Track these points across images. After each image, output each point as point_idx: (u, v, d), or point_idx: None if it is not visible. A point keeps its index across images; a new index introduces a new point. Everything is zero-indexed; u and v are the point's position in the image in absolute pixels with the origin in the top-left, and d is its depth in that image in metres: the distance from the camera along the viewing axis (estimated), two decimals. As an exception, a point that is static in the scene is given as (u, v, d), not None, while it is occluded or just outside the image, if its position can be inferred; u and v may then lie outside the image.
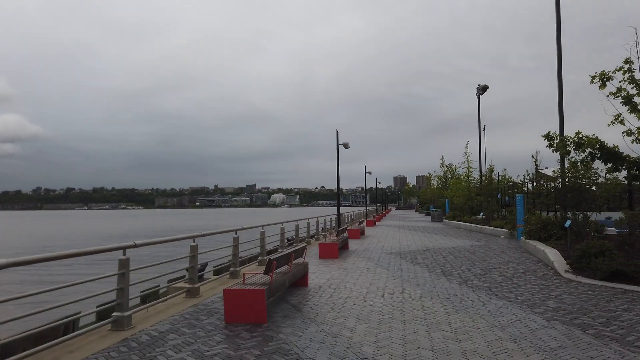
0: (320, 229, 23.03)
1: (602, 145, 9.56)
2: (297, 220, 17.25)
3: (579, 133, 9.85)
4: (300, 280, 9.06)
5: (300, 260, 9.20)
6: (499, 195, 32.49)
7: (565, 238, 14.03)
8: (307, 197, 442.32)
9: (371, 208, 68.95)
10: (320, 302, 7.68)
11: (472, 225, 26.66)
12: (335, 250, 13.95)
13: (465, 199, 35.42)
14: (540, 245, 13.26)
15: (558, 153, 10.19)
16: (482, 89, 38.59)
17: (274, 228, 15.41)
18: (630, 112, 9.43)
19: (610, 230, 15.07)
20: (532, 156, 25.71)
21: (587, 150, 9.78)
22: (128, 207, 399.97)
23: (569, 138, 10.03)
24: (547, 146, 10.59)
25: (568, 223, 12.31)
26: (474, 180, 37.25)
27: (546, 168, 17.09)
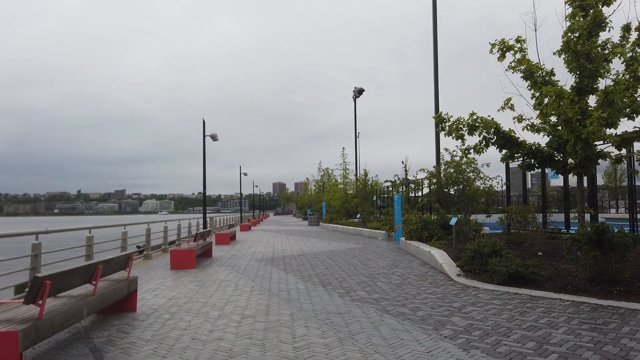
0: (189, 234, 19.90)
1: (498, 129, 8.44)
2: (148, 223, 14.12)
3: (473, 114, 8.64)
4: (122, 303, 6.31)
5: (122, 274, 6.45)
6: (375, 198, 32.29)
7: (446, 238, 13.10)
8: (183, 204, 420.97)
9: (250, 214, 66.30)
10: (143, 338, 5.08)
11: (350, 227, 25.63)
12: (192, 259, 11.25)
13: (342, 201, 34.67)
14: (424, 246, 12.05)
15: (452, 137, 8.88)
16: (359, 92, 38.64)
17: (115, 233, 12.20)
18: (529, 89, 8.46)
19: (484, 229, 14.62)
20: (402, 162, 25.59)
21: (482, 135, 8.61)
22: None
23: (462, 120, 8.78)
24: (439, 130, 9.26)
25: (454, 221, 11.21)
26: (350, 182, 36.82)
27: (422, 169, 16.32)
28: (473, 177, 12.84)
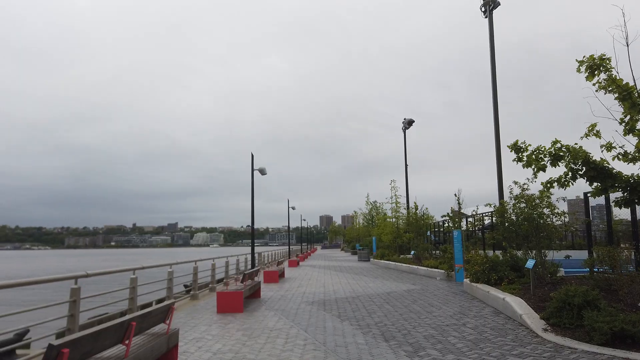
0: (237, 271, 19.33)
1: (588, 159, 7.27)
2: (195, 261, 13.59)
3: (556, 142, 7.53)
4: (161, 361, 5.57)
5: (161, 327, 5.73)
6: (429, 233, 30.68)
7: (518, 281, 11.71)
8: (232, 237, 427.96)
9: (297, 247, 65.74)
10: (181, 411, 4.28)
11: (403, 265, 24.25)
12: (239, 302, 10.51)
13: (394, 236, 33.30)
14: (496, 292, 10.73)
15: (532, 169, 7.79)
16: (408, 123, 37.72)
17: (158, 272, 11.69)
18: (626, 113, 7.24)
19: (559, 270, 13.03)
20: (455, 194, 24.14)
21: (569, 166, 7.46)
22: (33, 248, 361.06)
23: (542, 149, 7.68)
24: (514, 160, 8.20)
25: (531, 263, 9.89)
26: (402, 216, 35.40)
27: (488, 204, 15.01)
28: (548, 212, 11.48)
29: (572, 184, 7.76)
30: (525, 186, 11.95)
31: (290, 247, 68.47)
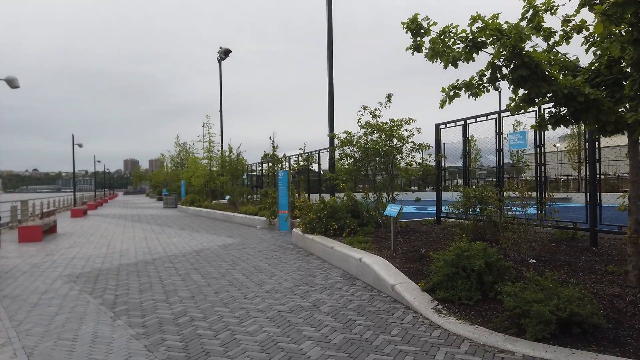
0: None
1: (520, 49, 4.59)
2: None
3: (477, 18, 4.65)
4: None
5: None
6: (245, 176, 27.81)
7: (362, 231, 9.42)
8: (15, 182, 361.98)
9: (92, 194, 56.51)
10: None
11: (216, 212, 20.82)
12: None
13: (206, 180, 29.45)
14: (343, 247, 8.10)
15: (439, 62, 4.93)
16: (224, 53, 33.43)
17: None
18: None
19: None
20: (270, 137, 21.55)
21: (495, 59, 4.78)
22: None
23: (455, 31, 4.80)
24: (409, 48, 5.20)
25: (395, 210, 7.40)
26: (215, 158, 31.56)
27: (333, 134, 12.34)
28: (400, 145, 9.24)
29: (489, 90, 5.21)
30: (378, 112, 9.47)
31: (84, 193, 58.55)
